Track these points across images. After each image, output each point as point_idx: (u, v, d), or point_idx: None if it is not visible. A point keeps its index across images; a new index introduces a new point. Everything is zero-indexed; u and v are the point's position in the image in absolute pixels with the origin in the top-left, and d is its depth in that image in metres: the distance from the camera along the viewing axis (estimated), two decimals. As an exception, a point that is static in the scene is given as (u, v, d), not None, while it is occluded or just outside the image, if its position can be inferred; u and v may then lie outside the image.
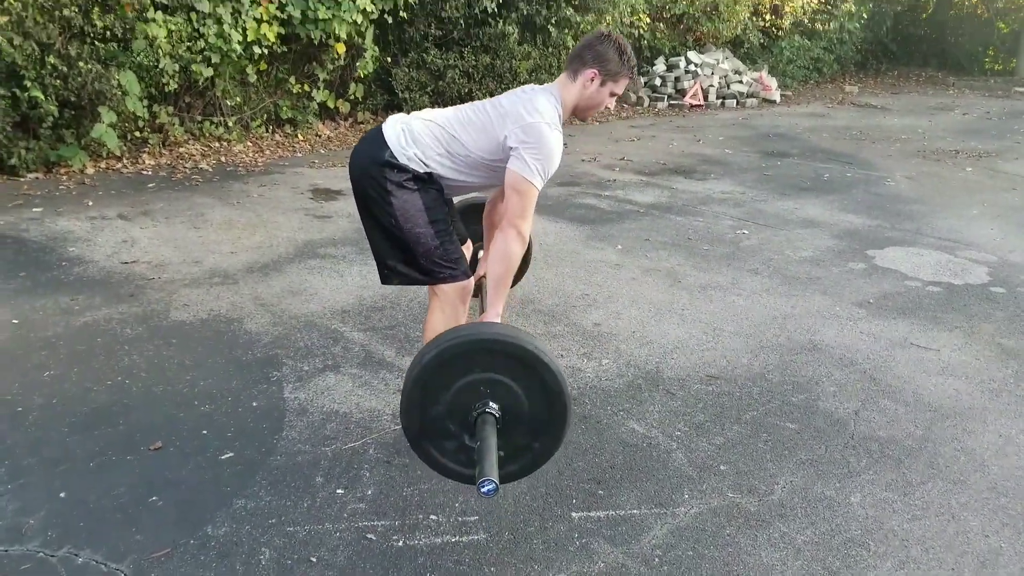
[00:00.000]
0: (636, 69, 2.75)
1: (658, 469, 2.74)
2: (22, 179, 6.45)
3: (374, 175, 2.62)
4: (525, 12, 10.51)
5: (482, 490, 2.00)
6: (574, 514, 2.50)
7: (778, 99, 13.86)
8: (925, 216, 6.24)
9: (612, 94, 2.68)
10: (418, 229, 2.61)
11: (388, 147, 2.62)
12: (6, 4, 6.22)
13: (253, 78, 8.01)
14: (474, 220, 3.31)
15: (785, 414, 3.13)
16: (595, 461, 2.78)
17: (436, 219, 2.64)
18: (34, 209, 5.69)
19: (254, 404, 3.12)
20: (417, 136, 2.64)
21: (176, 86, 7.38)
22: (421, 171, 2.61)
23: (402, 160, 2.60)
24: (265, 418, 3.01)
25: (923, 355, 3.71)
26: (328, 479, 2.64)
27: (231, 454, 2.76)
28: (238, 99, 8.24)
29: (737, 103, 13.31)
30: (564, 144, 2.63)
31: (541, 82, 11.09)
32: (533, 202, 2.55)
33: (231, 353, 3.56)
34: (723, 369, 3.52)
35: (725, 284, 4.61)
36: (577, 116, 2.76)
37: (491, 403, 2.20)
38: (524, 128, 2.51)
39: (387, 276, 2.81)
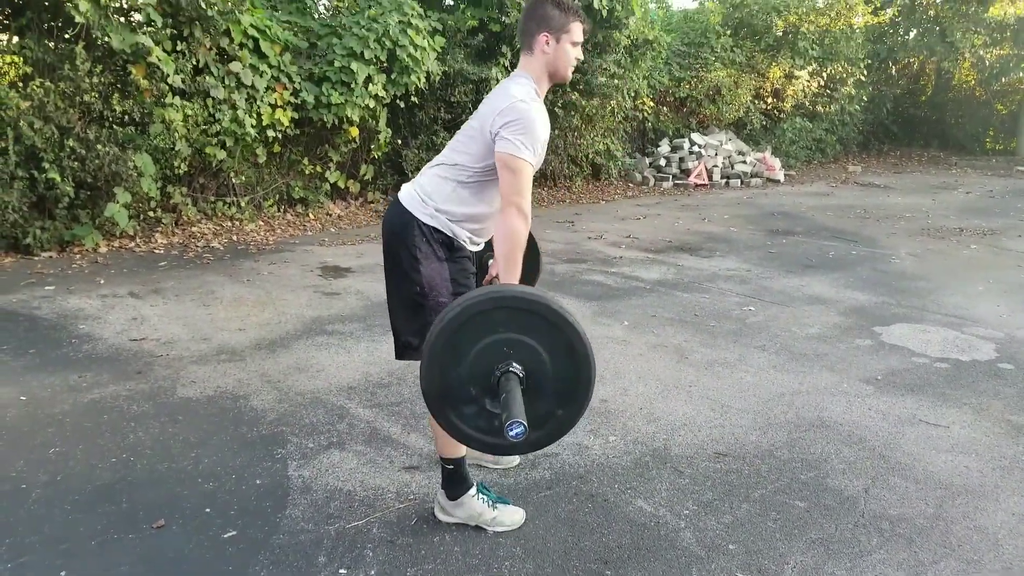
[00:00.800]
0: (581, 12, 2.76)
1: (666, 549, 2.69)
2: (36, 258, 6.54)
3: (404, 245, 2.63)
4: (531, 96, 10.75)
5: (510, 433, 1.93)
6: (581, 594, 2.46)
7: (782, 179, 14.05)
8: (931, 293, 6.25)
9: (574, 44, 2.69)
10: (441, 299, 2.61)
11: (409, 211, 2.65)
12: (29, 90, 6.43)
13: (263, 159, 8.17)
14: None
15: (794, 492, 3.10)
16: (602, 540, 2.74)
17: (460, 292, 2.64)
18: (46, 287, 5.76)
19: (258, 482, 3.10)
20: (428, 189, 2.67)
21: (188, 168, 7.53)
22: (444, 233, 2.63)
23: (424, 220, 2.63)
24: (268, 496, 2.99)
25: (932, 432, 3.68)
26: (331, 559, 2.60)
27: (234, 532, 2.74)
28: (251, 179, 8.40)
29: (741, 183, 13.49)
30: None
31: (548, 162, 11.30)
32: (528, 178, 2.53)
33: (236, 430, 3.55)
34: (731, 446, 3.49)
35: (732, 360, 4.61)
36: (556, 81, 2.75)
37: (514, 363, 2.13)
38: (500, 112, 2.53)
39: (402, 351, 2.80)
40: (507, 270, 2.52)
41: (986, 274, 6.97)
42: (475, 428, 2.21)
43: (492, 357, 2.13)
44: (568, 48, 2.67)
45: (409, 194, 2.70)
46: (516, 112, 2.52)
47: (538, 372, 2.14)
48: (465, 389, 2.16)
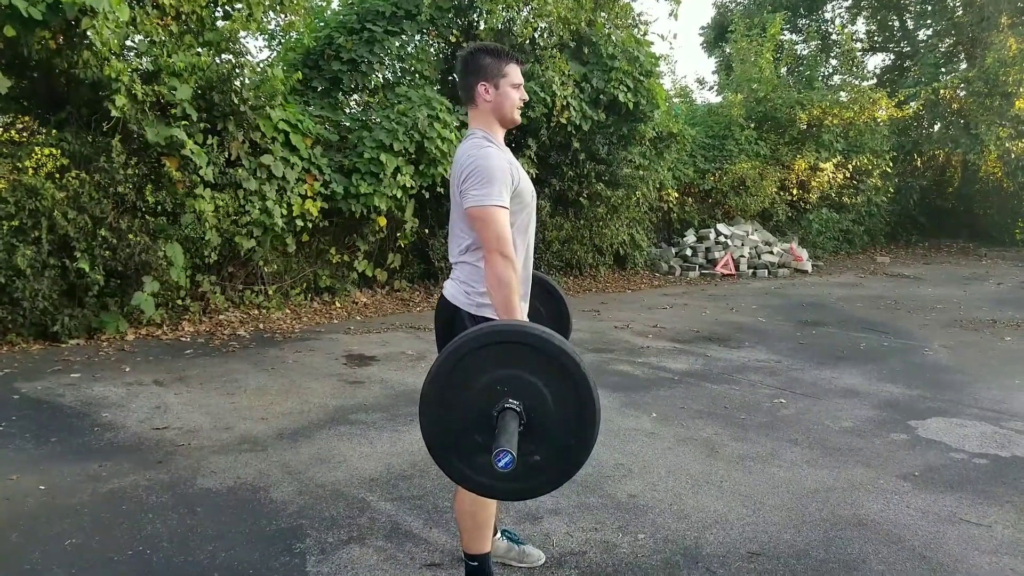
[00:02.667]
0: (512, 53, 2.76)
1: (698, 654, 2.57)
2: (63, 345, 6.60)
3: (457, 327, 2.62)
4: (557, 188, 10.91)
5: (498, 463, 1.85)
6: None
7: (810, 269, 13.99)
8: (966, 386, 6.10)
9: (514, 86, 2.70)
10: None
11: (458, 309, 2.65)
12: (65, 181, 6.59)
13: (292, 248, 8.27)
14: None
15: (832, 595, 2.96)
16: (631, 644, 2.62)
17: None
18: (72, 374, 5.79)
19: (276, 577, 3.01)
20: (466, 278, 2.68)
21: (217, 258, 7.64)
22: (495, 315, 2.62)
23: (474, 312, 2.63)
24: (286, 592, 2.90)
25: (974, 531, 3.53)
26: (348, 660, 2.50)
27: (249, 631, 2.65)
28: (279, 268, 8.50)
29: (768, 273, 13.44)
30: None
31: (574, 252, 11.37)
32: (503, 223, 2.51)
33: (255, 523, 3.48)
34: (765, 545, 3.36)
35: (764, 455, 4.48)
36: (506, 125, 2.77)
37: (511, 399, 2.06)
38: (457, 174, 2.57)
39: None
40: (507, 317, 2.52)
41: (1022, 367, 6.80)
42: (490, 476, 2.12)
43: (489, 398, 2.08)
44: (509, 91, 2.71)
45: (453, 289, 2.71)
46: (468, 166, 2.55)
47: (539, 405, 2.07)
48: (471, 438, 2.10)
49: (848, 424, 5.08)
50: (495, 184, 2.52)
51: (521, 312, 2.55)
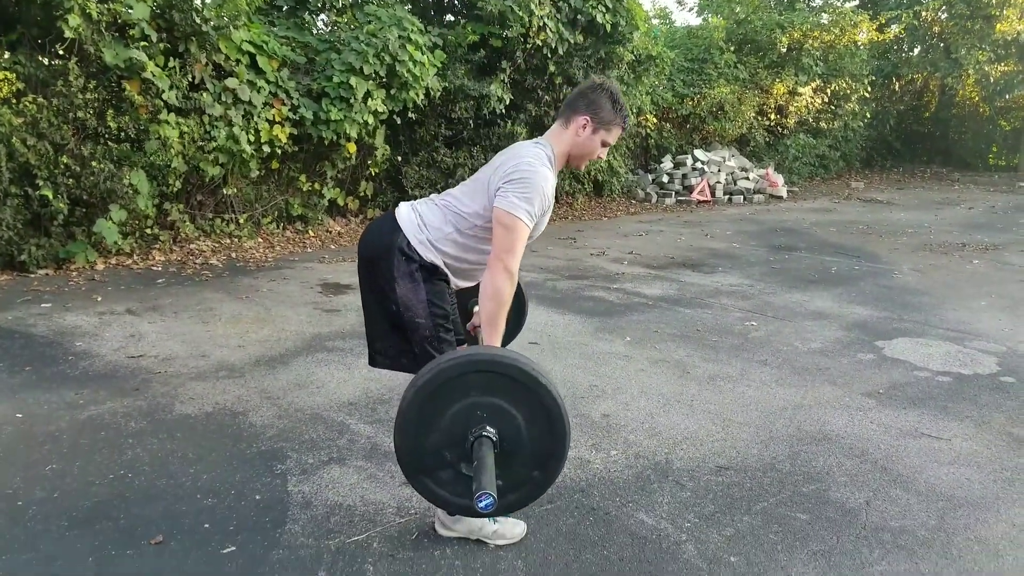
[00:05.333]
0: (629, 118, 2.77)
1: (668, 562, 2.67)
2: (32, 275, 6.53)
3: (384, 259, 2.65)
4: (533, 113, 10.80)
5: (479, 504, 1.93)
6: (581, 609, 2.43)
7: (785, 195, 14.06)
8: (933, 308, 6.23)
9: (604, 143, 2.70)
10: (417, 319, 2.63)
11: (401, 231, 2.65)
12: (22, 106, 6.42)
13: (255, 175, 8.14)
14: None
15: (796, 504, 3.07)
16: (603, 554, 2.71)
17: (436, 313, 2.65)
18: (43, 305, 5.76)
19: (257, 497, 3.07)
20: (428, 220, 2.68)
21: (184, 185, 7.52)
22: (428, 259, 2.64)
23: (414, 244, 2.63)
24: (268, 512, 2.97)
25: (934, 445, 3.65)
26: (331, 574, 2.57)
27: (232, 548, 2.71)
28: (249, 196, 8.39)
29: (744, 199, 13.49)
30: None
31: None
32: (521, 239, 2.53)
33: (235, 446, 3.53)
34: (733, 459, 3.47)
35: (734, 375, 4.58)
36: (571, 165, 2.77)
37: (488, 427, 2.13)
38: (508, 170, 2.55)
39: (374, 358, 2.85)
40: (490, 331, 2.55)
41: (988, 289, 6.94)
42: (452, 492, 2.23)
43: (466, 421, 2.14)
44: (598, 143, 2.69)
45: (408, 216, 2.71)
46: (523, 172, 2.53)
47: (513, 435, 2.15)
48: (440, 454, 2.17)
49: (817, 345, 5.19)
50: (534, 205, 2.53)
51: (503, 327, 2.58)
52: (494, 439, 2.13)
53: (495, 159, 2.70)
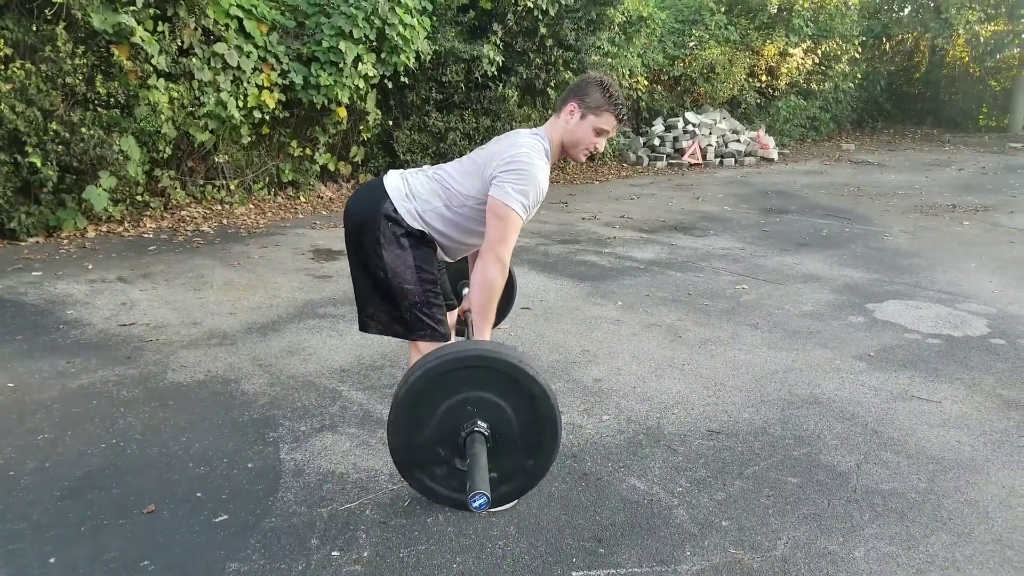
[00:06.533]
0: (621, 108, 2.76)
1: (659, 526, 2.69)
2: (22, 243, 6.49)
3: (370, 226, 2.65)
4: (524, 76, 10.68)
5: (473, 504, 1.95)
6: (574, 573, 2.44)
7: (776, 157, 14.01)
8: (924, 270, 6.24)
9: (598, 131, 2.69)
10: (406, 285, 2.64)
11: (388, 198, 2.65)
12: (10, 72, 6.33)
13: (246, 140, 8.06)
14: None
15: (787, 468, 3.09)
16: (595, 519, 2.73)
17: (425, 278, 2.66)
18: (33, 273, 5.72)
19: (249, 465, 3.08)
20: (416, 191, 2.67)
21: (170, 152, 7.45)
22: (415, 227, 2.63)
23: (401, 212, 2.63)
24: (260, 479, 2.97)
25: (924, 407, 3.68)
26: (323, 541, 2.59)
27: (225, 516, 2.72)
28: (240, 162, 8.32)
29: (735, 162, 13.45)
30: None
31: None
32: (514, 229, 2.55)
33: (227, 414, 3.53)
34: (724, 424, 3.49)
35: (725, 339, 4.59)
36: (567, 154, 2.76)
37: (479, 422, 2.15)
38: (505, 160, 2.55)
39: (365, 323, 2.87)
40: (481, 321, 2.56)
41: (979, 250, 6.96)
42: (447, 487, 2.24)
43: (457, 417, 2.16)
44: (590, 130, 2.68)
45: (396, 184, 2.70)
46: (519, 163, 2.54)
47: (504, 427, 2.17)
48: (434, 451, 2.18)
49: (808, 308, 5.20)
50: (529, 197, 2.55)
51: (493, 316, 2.59)
52: (486, 434, 2.15)
53: (491, 144, 2.69)
